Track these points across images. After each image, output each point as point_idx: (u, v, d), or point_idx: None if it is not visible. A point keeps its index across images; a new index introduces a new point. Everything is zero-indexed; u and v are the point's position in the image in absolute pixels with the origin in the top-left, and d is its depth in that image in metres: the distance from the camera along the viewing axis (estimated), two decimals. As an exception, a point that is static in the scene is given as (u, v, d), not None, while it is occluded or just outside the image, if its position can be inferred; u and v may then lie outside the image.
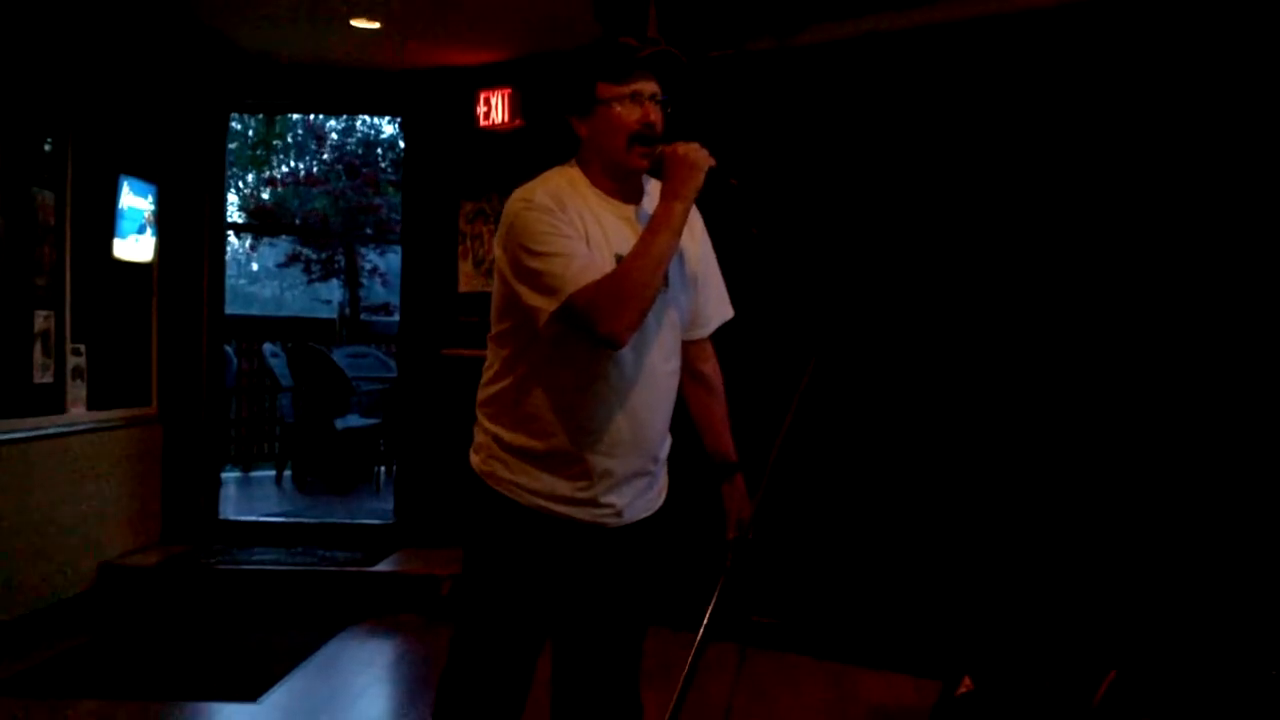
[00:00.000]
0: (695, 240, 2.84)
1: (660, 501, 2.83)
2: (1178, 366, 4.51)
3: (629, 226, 2.64)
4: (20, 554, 5.35)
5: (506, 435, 2.67)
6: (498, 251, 2.64)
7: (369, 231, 16.13)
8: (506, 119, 6.80)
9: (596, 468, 2.62)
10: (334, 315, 15.31)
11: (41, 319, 5.49)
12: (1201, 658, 4.21)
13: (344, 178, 16.28)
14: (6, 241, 5.25)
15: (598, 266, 2.50)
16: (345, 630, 5.80)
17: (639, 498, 2.72)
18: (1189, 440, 4.46)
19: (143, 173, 6.44)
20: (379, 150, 17.18)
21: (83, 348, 5.85)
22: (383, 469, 9.85)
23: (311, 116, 16.85)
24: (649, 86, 2.63)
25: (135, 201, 6.35)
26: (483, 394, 2.74)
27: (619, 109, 2.61)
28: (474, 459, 2.74)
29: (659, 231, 2.52)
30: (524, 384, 2.64)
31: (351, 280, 15.91)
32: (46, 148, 5.57)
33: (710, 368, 2.99)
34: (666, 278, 2.64)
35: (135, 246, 6.38)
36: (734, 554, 2.86)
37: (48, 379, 5.55)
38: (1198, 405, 4.45)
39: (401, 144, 11.68)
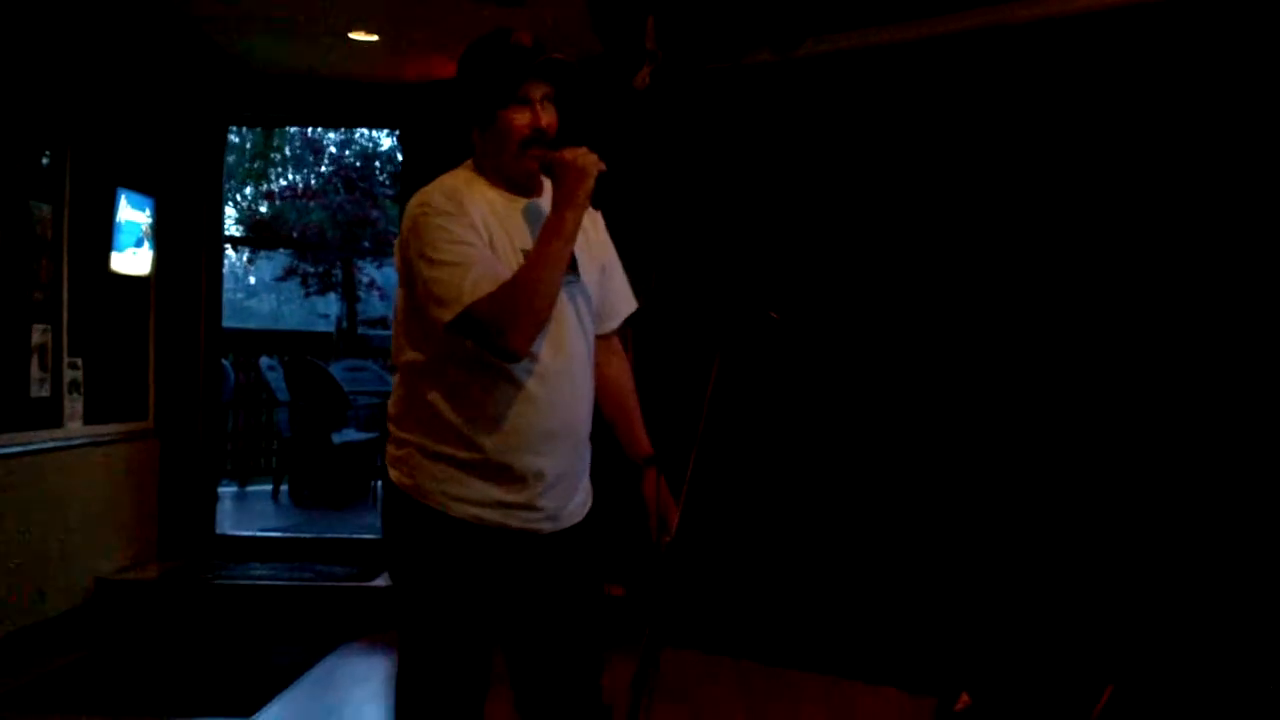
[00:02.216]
0: (597, 232, 2.84)
1: (587, 508, 2.78)
2: (1173, 369, 4.50)
3: (530, 220, 2.62)
4: (16, 568, 5.32)
5: (431, 444, 2.58)
6: (397, 259, 2.62)
7: (367, 245, 16.14)
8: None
9: (529, 469, 2.56)
10: (331, 329, 15.33)
11: (39, 332, 5.47)
12: (1200, 671, 4.19)
13: (342, 191, 16.30)
14: (4, 255, 5.23)
15: (495, 275, 2.46)
16: (342, 645, 5.77)
17: (570, 500, 2.67)
18: (1187, 446, 4.44)
19: (140, 186, 6.43)
20: (377, 163, 17.20)
21: (80, 361, 5.84)
22: (379, 483, 9.81)
23: (309, 129, 16.87)
24: (539, 89, 2.62)
25: (133, 215, 6.34)
26: (397, 407, 2.68)
27: (510, 115, 2.60)
28: (394, 474, 2.66)
29: (551, 241, 2.50)
30: (441, 391, 2.57)
31: (349, 294, 15.92)
32: (44, 161, 5.57)
33: (620, 361, 2.97)
34: (575, 267, 2.63)
35: (133, 260, 6.37)
36: (658, 556, 2.81)
37: (45, 393, 5.54)
38: (1195, 411, 4.45)
39: (399, 157, 11.69)
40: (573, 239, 2.52)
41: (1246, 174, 4.36)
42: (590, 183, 2.52)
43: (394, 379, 2.72)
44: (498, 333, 2.43)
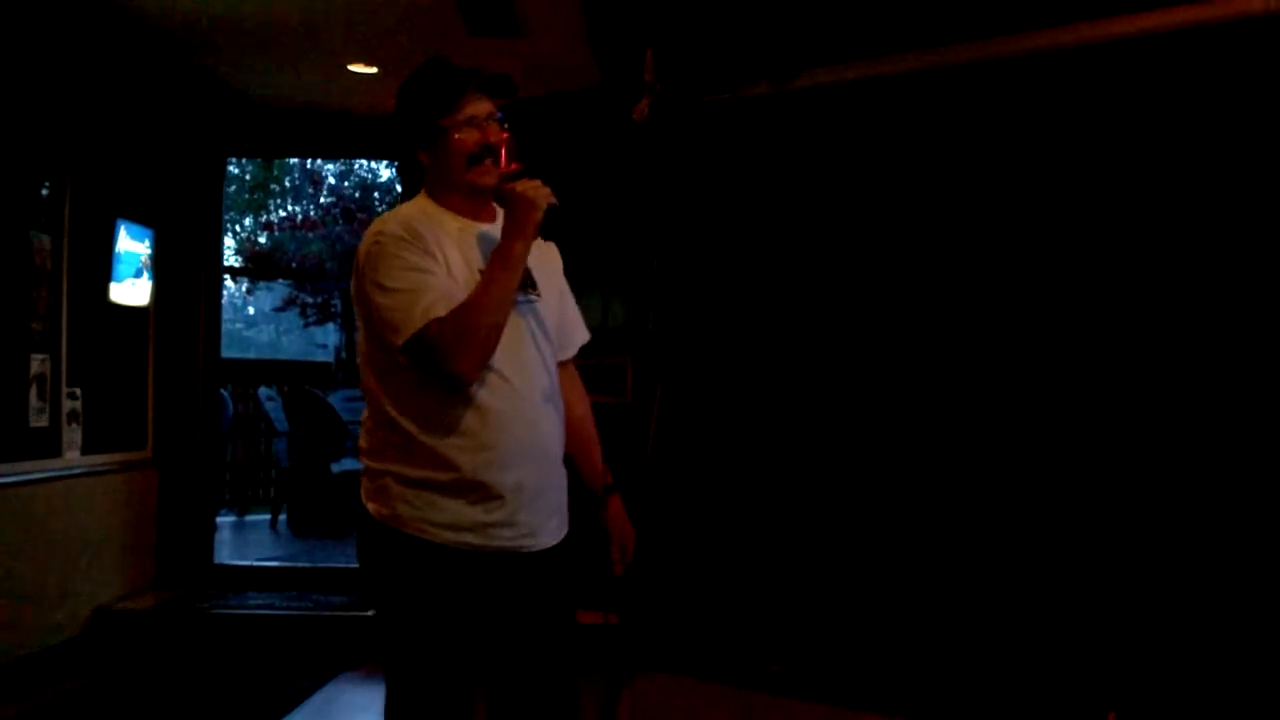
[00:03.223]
0: (553, 261, 2.90)
1: (564, 532, 2.78)
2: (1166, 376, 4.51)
3: (486, 245, 2.65)
4: (14, 598, 5.30)
5: (407, 471, 2.60)
6: (354, 290, 2.68)
7: (365, 275, 16.12)
8: (503, 163, 6.80)
9: (506, 484, 2.58)
10: (330, 359, 15.32)
11: (38, 362, 5.48)
12: (1201, 699, 4.19)
13: (341, 221, 16.32)
14: (3, 285, 5.24)
15: (450, 299, 2.51)
16: (340, 675, 5.76)
17: (547, 518, 2.68)
18: (1183, 457, 4.45)
19: (140, 217, 6.45)
20: (376, 194, 17.25)
21: (79, 391, 5.84)
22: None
23: (309, 161, 16.91)
24: (484, 107, 2.69)
25: (132, 245, 6.36)
26: (369, 439, 2.70)
27: (458, 135, 2.67)
28: (371, 506, 2.67)
29: (498, 269, 2.55)
30: (412, 416, 2.58)
31: (348, 324, 15.90)
32: (44, 191, 5.59)
33: (577, 391, 3.00)
34: (535, 287, 2.70)
35: (132, 290, 6.39)
36: (621, 582, 2.88)
37: (43, 423, 5.54)
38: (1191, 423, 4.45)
39: (398, 188, 11.71)
40: (519, 268, 2.57)
41: (1237, 202, 4.38)
42: (539, 214, 2.57)
43: (363, 414, 2.75)
44: (445, 357, 2.47)
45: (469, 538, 2.58)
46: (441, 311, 2.48)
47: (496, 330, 2.52)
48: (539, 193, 2.58)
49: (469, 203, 2.73)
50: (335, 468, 9.53)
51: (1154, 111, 4.56)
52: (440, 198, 2.74)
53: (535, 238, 2.60)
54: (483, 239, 2.69)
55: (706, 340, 5.66)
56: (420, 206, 2.74)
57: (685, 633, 5.49)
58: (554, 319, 2.81)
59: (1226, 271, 4.39)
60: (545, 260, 2.82)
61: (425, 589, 2.60)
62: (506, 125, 2.72)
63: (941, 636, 4.98)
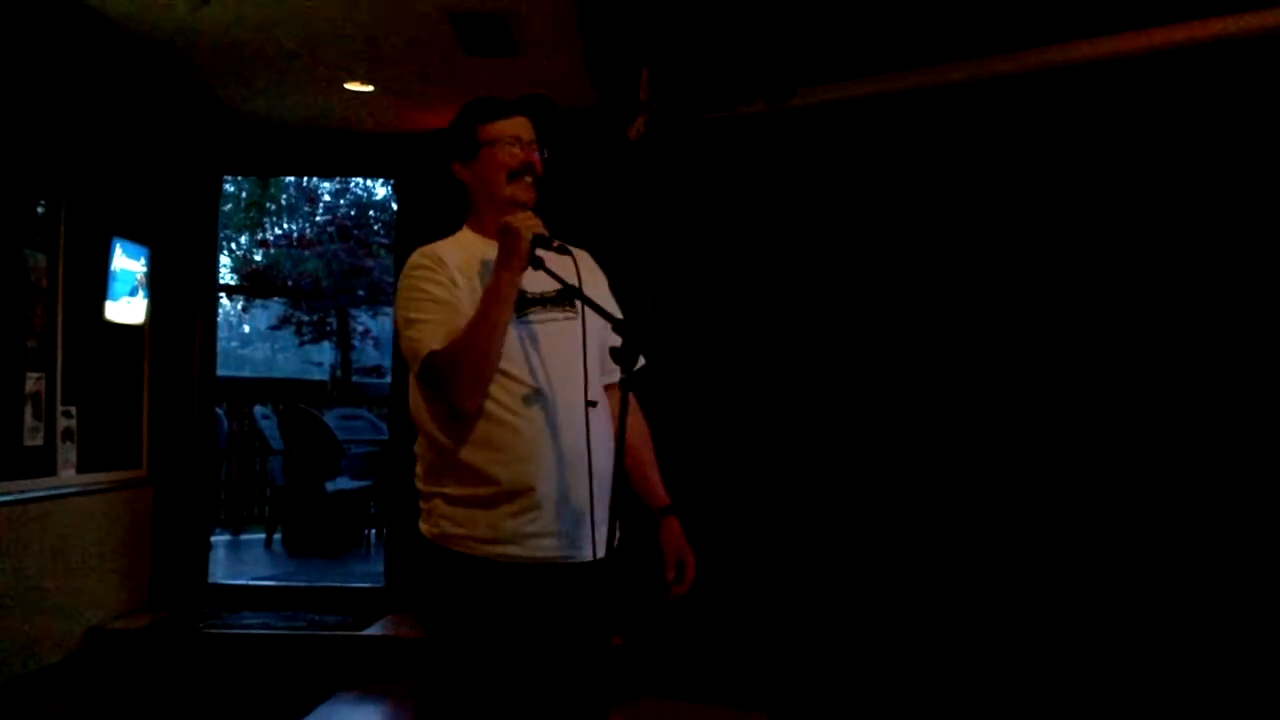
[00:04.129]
0: (599, 284, 2.95)
1: (613, 544, 2.78)
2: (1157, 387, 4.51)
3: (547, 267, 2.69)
4: (7, 618, 5.28)
5: (451, 489, 2.71)
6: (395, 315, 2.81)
7: (361, 294, 16.15)
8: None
9: (542, 494, 2.64)
10: (325, 377, 15.30)
11: (33, 381, 5.47)
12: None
13: (336, 240, 16.32)
14: (-2, 303, 5.24)
15: (453, 330, 2.63)
16: (335, 695, 5.73)
17: (588, 528, 2.69)
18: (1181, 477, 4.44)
19: (135, 235, 6.45)
20: (372, 212, 17.25)
21: (73, 410, 5.83)
22: (373, 532, 9.81)
23: (305, 179, 16.92)
24: (527, 131, 2.81)
25: (128, 264, 6.35)
26: (421, 465, 2.81)
27: (500, 152, 2.78)
28: (423, 527, 2.78)
29: (488, 301, 2.62)
30: (451, 436, 2.69)
31: (343, 342, 15.93)
32: (39, 210, 5.58)
33: (632, 413, 2.99)
34: (574, 303, 2.76)
35: (127, 309, 6.38)
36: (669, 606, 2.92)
37: (38, 441, 5.52)
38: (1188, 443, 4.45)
39: (394, 206, 11.72)
40: (509, 300, 2.62)
41: (1231, 216, 4.38)
42: (524, 245, 2.61)
43: (415, 446, 2.85)
44: (444, 387, 2.62)
45: (511, 549, 2.65)
46: (438, 344, 2.60)
47: (485, 359, 2.60)
48: (524, 223, 2.63)
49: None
50: (330, 486, 9.51)
51: (1145, 130, 4.57)
52: (479, 224, 2.83)
53: (525, 268, 2.63)
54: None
55: (701, 358, 5.66)
56: (458, 237, 2.85)
57: (684, 654, 5.47)
58: (600, 336, 2.82)
59: (1224, 282, 4.38)
60: (594, 281, 2.89)
61: (472, 603, 2.67)
62: (546, 154, 2.83)
63: (941, 658, 4.96)
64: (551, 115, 2.85)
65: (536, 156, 2.80)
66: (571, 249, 2.73)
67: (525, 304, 2.73)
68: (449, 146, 2.87)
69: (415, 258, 2.75)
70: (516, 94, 2.93)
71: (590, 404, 2.69)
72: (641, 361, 2.99)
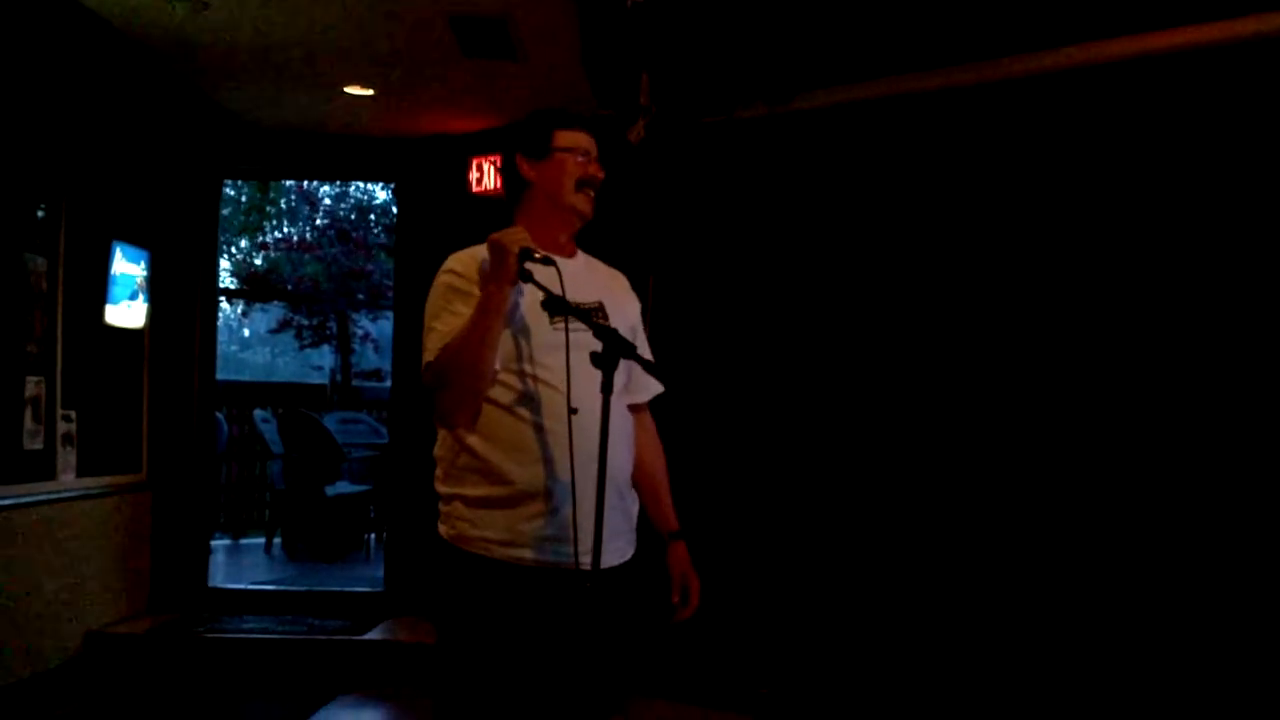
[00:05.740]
0: (622, 295, 3.03)
1: (628, 554, 2.87)
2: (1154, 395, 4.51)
3: (561, 278, 2.69)
4: (6, 622, 5.28)
5: (469, 491, 2.73)
6: None
7: (361, 297, 16.13)
8: (499, 185, 6.81)
9: (558, 496, 2.66)
10: (325, 381, 15.27)
11: (32, 385, 5.46)
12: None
13: (336, 243, 16.30)
14: (-2, 307, 5.24)
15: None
16: (335, 700, 5.73)
17: (611, 539, 2.69)
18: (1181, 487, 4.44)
19: (135, 239, 6.45)
20: (372, 216, 17.23)
21: (73, 414, 5.83)
22: (373, 536, 9.79)
23: (305, 183, 16.91)
24: (594, 147, 2.90)
25: (128, 268, 6.35)
26: (440, 467, 2.83)
27: (570, 161, 2.85)
28: (442, 529, 2.80)
29: (476, 314, 2.64)
30: (476, 435, 2.72)
31: (343, 346, 15.90)
32: (39, 214, 5.58)
33: (649, 435, 3.09)
34: (606, 314, 2.81)
35: (127, 312, 6.38)
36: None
37: (38, 445, 5.52)
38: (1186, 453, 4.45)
39: (394, 210, 11.72)
40: (498, 314, 2.63)
41: (1230, 221, 4.38)
42: (510, 259, 2.62)
43: (435, 449, 2.87)
44: (437, 398, 2.69)
45: (525, 553, 2.67)
46: (432, 356, 2.67)
47: (473, 372, 2.64)
48: (512, 237, 2.65)
49: (555, 233, 2.87)
50: (330, 490, 9.50)
51: (1145, 135, 4.57)
52: (529, 221, 2.85)
53: (514, 282, 2.64)
54: (558, 274, 2.71)
55: (702, 361, 5.66)
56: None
57: (684, 658, 5.46)
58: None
59: (1225, 284, 4.38)
60: (620, 298, 2.98)
61: (485, 605, 2.70)
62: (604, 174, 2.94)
63: (939, 664, 4.96)
64: (614, 138, 2.93)
65: (601, 173, 2.89)
66: (607, 268, 2.92)
67: (567, 312, 2.71)
68: (519, 140, 2.92)
69: (452, 262, 2.81)
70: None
71: (604, 416, 2.65)
72: (658, 388, 3.06)
